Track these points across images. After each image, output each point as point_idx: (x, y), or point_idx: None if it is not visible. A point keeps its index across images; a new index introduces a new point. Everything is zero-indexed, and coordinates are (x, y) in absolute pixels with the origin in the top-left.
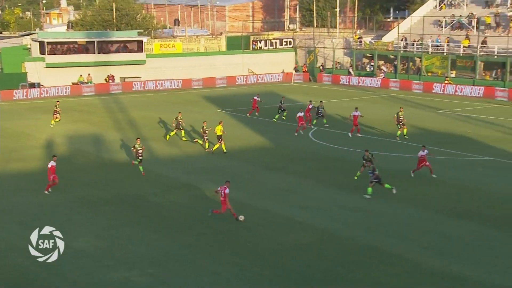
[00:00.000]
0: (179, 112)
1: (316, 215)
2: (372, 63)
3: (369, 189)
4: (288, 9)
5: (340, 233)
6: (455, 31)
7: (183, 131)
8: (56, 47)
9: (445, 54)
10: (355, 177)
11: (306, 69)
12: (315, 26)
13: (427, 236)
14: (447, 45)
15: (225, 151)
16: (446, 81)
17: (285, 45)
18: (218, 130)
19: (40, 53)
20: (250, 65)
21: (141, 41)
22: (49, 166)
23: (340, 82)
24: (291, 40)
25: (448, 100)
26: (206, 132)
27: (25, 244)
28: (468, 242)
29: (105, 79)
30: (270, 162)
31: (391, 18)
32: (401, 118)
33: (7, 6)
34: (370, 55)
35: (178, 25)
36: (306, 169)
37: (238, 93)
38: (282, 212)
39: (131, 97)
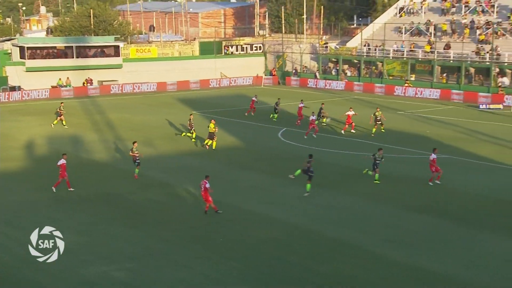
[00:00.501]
0: (191, 114)
1: (285, 211)
2: (337, 67)
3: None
4: (258, 16)
5: (308, 228)
6: (414, 37)
7: (194, 133)
8: (36, 52)
9: (405, 58)
10: (368, 172)
11: (275, 72)
12: (283, 32)
13: (389, 229)
14: (411, 50)
15: (214, 148)
16: (406, 84)
17: (255, 50)
18: (210, 128)
19: (21, 58)
20: (222, 69)
21: (117, 46)
22: (60, 163)
23: (308, 85)
24: (261, 45)
25: (408, 102)
26: (192, 125)
27: (4, 240)
28: (427, 235)
29: (83, 83)
30: (242, 161)
31: (355, 25)
32: (378, 118)
33: None
34: (335, 60)
35: (154, 31)
36: (275, 168)
37: (211, 95)
38: (253, 209)
39: (108, 100)
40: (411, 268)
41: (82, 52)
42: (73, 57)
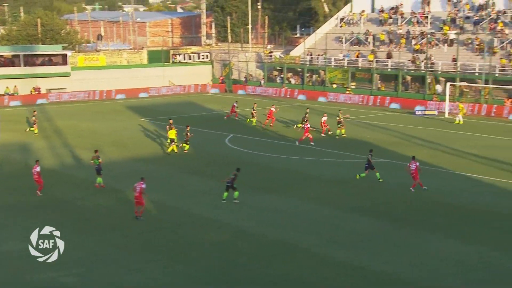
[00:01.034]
0: (187, 126)
1: (232, 214)
2: (282, 75)
3: (225, 194)
4: (204, 26)
5: (255, 231)
6: (354, 46)
7: (187, 146)
8: None
9: (345, 67)
10: (378, 178)
11: (222, 80)
12: (229, 41)
13: (334, 231)
14: (356, 59)
15: (176, 151)
16: (347, 92)
17: (202, 58)
18: (172, 134)
19: None
20: (171, 77)
21: (65, 55)
22: (36, 171)
23: (254, 93)
24: (208, 54)
25: (349, 108)
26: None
27: None
28: (370, 235)
29: (31, 91)
30: (190, 166)
31: (298, 34)
32: (341, 120)
33: None
34: (280, 68)
35: (101, 40)
36: (222, 173)
37: (160, 103)
38: (201, 213)
39: (56, 108)
40: (355, 268)
41: (30, 60)
42: (20, 66)
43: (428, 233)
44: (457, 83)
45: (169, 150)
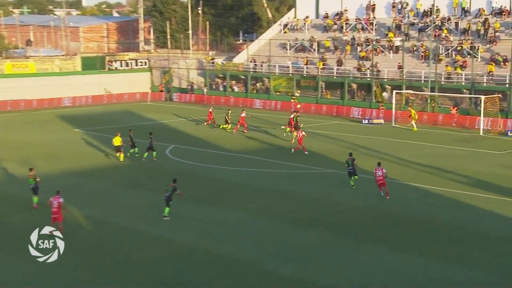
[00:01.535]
0: (150, 133)
1: (174, 229)
2: (225, 83)
3: (166, 209)
4: (142, 31)
5: (197, 246)
6: (299, 53)
7: (155, 152)
8: None
9: (290, 74)
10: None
11: (162, 88)
12: (169, 47)
13: (277, 245)
14: (301, 67)
15: (121, 160)
16: (292, 100)
17: (140, 65)
18: (117, 141)
19: None
20: (107, 84)
21: None
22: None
23: (195, 101)
24: (147, 60)
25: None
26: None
27: None
28: (315, 248)
29: None
30: (127, 179)
31: (241, 40)
32: (298, 123)
33: None
34: (222, 76)
35: (31, 45)
36: (163, 185)
37: (95, 112)
38: (141, 228)
39: None
40: (303, 283)
41: None
42: None
43: (376, 246)
44: (403, 91)
45: (121, 159)
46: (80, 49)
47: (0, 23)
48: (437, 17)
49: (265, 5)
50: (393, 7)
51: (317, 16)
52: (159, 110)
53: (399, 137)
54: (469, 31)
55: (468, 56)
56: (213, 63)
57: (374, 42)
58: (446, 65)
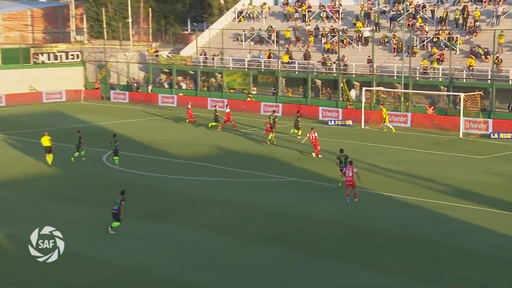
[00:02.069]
0: (114, 135)
1: (114, 248)
2: (171, 79)
3: (115, 224)
4: (73, 19)
5: (138, 267)
6: (256, 45)
7: (117, 158)
8: None
9: (246, 69)
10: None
11: (98, 85)
12: (105, 38)
13: (234, 264)
14: (265, 61)
15: (50, 163)
16: (248, 98)
17: (72, 58)
18: (45, 141)
19: None
20: (32, 81)
21: None
22: None
23: (137, 101)
24: (79, 53)
25: (251, 118)
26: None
27: None
28: (276, 268)
29: None
30: (57, 191)
31: (189, 30)
32: (275, 124)
33: None
34: (168, 71)
35: None
36: (100, 198)
37: (19, 113)
38: (73, 248)
39: None
40: None
41: None
42: None
43: (344, 264)
44: (374, 88)
45: (49, 161)
46: None
47: None
48: (410, 5)
49: None
50: None
51: (276, 3)
52: (95, 111)
53: (369, 141)
54: (447, 20)
55: (446, 48)
56: (156, 56)
57: (340, 33)
58: (423, 59)
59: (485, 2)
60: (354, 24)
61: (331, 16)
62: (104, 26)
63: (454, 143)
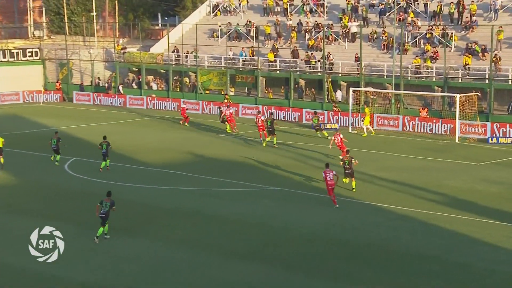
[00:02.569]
0: (104, 136)
1: (73, 266)
2: (140, 79)
3: (101, 230)
4: (31, 12)
5: (103, 285)
6: (233, 41)
7: (104, 162)
8: None
9: (223, 68)
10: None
11: (60, 86)
12: (67, 33)
13: (208, 283)
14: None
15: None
16: (226, 100)
17: (29, 56)
18: None
19: None
20: None
21: None
22: None
23: (103, 103)
24: (38, 50)
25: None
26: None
27: None
28: (253, 286)
29: None
30: (12, 203)
31: (160, 25)
32: (274, 126)
33: None
34: (137, 69)
35: None
36: (62, 211)
37: None
38: (32, 267)
39: None
40: None
41: None
42: None
43: (330, 282)
44: (362, 89)
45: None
46: None
47: None
48: None
49: None
50: None
51: None
52: (56, 114)
53: (357, 146)
54: (441, 15)
55: (440, 45)
56: (124, 53)
57: (325, 28)
58: (415, 57)
59: None
60: (340, 19)
61: (315, 10)
62: (66, 20)
63: (450, 149)
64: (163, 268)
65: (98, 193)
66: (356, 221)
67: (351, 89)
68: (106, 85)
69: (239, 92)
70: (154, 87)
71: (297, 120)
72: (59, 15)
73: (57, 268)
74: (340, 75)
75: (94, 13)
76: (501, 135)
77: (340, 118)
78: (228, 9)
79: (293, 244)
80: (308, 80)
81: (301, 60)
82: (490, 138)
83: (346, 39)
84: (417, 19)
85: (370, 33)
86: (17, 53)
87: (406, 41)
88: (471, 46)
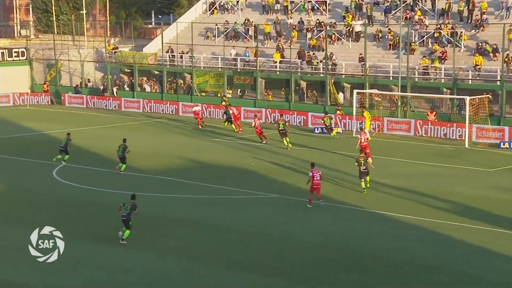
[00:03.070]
0: (124, 139)
1: (62, 277)
2: (133, 80)
3: (127, 232)
4: (17, 10)
5: None
6: (230, 41)
7: (124, 165)
8: None
9: (220, 69)
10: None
11: (47, 88)
12: (55, 32)
13: None
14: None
15: None
16: (224, 103)
17: (16, 56)
18: None
19: None
20: None
21: None
22: None
23: (96, 106)
24: (24, 50)
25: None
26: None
27: None
28: None
29: None
30: None
31: (153, 23)
32: (282, 129)
33: None
34: (129, 71)
35: None
36: (51, 219)
37: None
38: (17, 278)
39: None
40: None
41: None
42: None
43: None
44: (366, 91)
45: None
46: None
47: None
48: None
49: None
50: None
51: None
52: (43, 117)
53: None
54: (449, 13)
55: (449, 45)
56: (115, 52)
57: (328, 27)
58: (423, 57)
59: None
60: (344, 17)
61: (317, 8)
62: (54, 18)
63: (459, 154)
64: (157, 279)
65: (87, 200)
66: (360, 230)
67: (355, 91)
68: (102, 87)
69: (236, 94)
70: (147, 89)
71: (302, 124)
72: (47, 13)
73: (47, 278)
74: (343, 76)
75: (84, 11)
76: None
77: (342, 121)
78: (226, 7)
79: (294, 254)
80: (310, 82)
81: (303, 60)
82: (502, 143)
83: (350, 38)
84: (425, 18)
85: (375, 32)
86: (3, 53)
87: (413, 41)
88: (481, 45)
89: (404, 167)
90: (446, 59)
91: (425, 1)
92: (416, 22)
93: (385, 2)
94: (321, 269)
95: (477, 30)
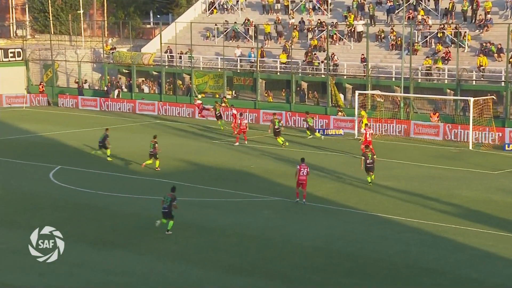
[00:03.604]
0: (154, 136)
1: (60, 281)
2: (131, 81)
3: (171, 223)
4: (14, 10)
5: None
6: (230, 41)
7: (157, 161)
8: None
9: (219, 70)
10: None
11: (43, 89)
12: (52, 32)
13: None
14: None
15: None
16: (223, 104)
17: (12, 57)
18: None
19: None
20: None
21: None
22: None
23: (91, 107)
24: (21, 50)
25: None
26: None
27: None
28: None
29: None
30: None
31: (152, 23)
32: (277, 128)
33: None
34: (127, 71)
35: None
36: (47, 222)
37: None
38: (14, 282)
39: None
40: None
41: None
42: None
43: None
44: (368, 92)
45: None
46: None
47: None
48: None
49: None
50: None
51: None
52: (40, 119)
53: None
54: (453, 13)
55: (452, 45)
56: (112, 53)
57: (329, 27)
58: (426, 57)
59: None
60: (346, 17)
61: (318, 7)
62: (51, 18)
63: (463, 156)
64: (155, 283)
65: (84, 203)
66: (361, 234)
67: (357, 92)
68: (106, 88)
69: (236, 95)
70: (146, 90)
71: (306, 126)
72: (43, 13)
73: (44, 281)
74: (345, 77)
75: (81, 11)
76: None
77: (343, 123)
78: (225, 6)
79: (294, 257)
80: (311, 83)
81: (303, 61)
82: (506, 145)
83: (352, 38)
84: (428, 17)
85: (378, 32)
86: None
87: (416, 41)
88: (485, 46)
89: (406, 169)
90: (450, 60)
91: (428, 0)
92: (419, 22)
93: (388, 1)
94: (321, 272)
95: (481, 30)
